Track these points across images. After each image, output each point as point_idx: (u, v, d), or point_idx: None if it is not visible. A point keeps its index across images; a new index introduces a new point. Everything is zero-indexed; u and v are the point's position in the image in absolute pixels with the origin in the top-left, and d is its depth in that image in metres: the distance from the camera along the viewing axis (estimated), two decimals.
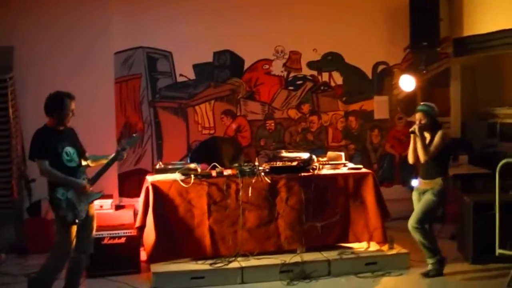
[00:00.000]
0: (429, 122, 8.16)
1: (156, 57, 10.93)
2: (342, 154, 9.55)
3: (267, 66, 11.27)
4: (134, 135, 7.84)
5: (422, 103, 8.50)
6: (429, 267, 8.31)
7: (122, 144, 7.60)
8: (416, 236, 8.22)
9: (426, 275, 8.27)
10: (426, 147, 8.08)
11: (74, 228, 7.05)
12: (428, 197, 8.18)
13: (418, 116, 8.23)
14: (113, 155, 7.56)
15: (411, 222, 8.21)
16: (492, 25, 10.46)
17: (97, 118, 10.29)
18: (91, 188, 7.27)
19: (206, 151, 9.88)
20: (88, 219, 7.30)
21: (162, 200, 8.51)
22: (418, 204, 8.30)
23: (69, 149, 7.13)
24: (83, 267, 7.57)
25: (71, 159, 7.13)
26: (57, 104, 7.11)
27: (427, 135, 8.20)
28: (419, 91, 11.30)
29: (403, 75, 11.23)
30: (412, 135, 8.26)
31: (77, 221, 7.01)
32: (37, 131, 7.11)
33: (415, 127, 8.15)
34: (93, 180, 7.33)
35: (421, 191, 8.34)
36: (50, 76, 10.13)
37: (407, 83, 11.11)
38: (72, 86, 9.95)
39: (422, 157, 8.10)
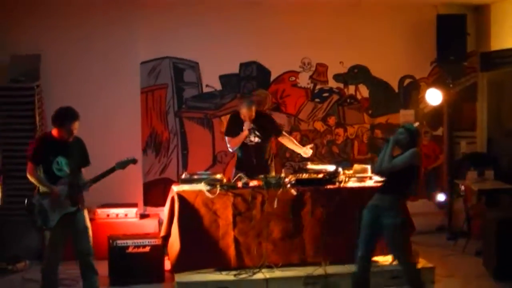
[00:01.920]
0: (407, 140, 7.57)
1: (183, 67, 10.97)
2: (368, 167, 9.50)
3: (293, 78, 11.28)
4: (127, 158, 7.90)
5: (404, 126, 7.89)
6: None
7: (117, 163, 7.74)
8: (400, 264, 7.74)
9: None
10: (391, 157, 7.52)
11: (54, 234, 7.47)
12: (392, 223, 7.47)
13: (400, 130, 7.71)
14: (107, 169, 7.76)
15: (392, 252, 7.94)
16: None
17: (123, 127, 10.38)
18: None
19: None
20: (80, 229, 7.57)
21: (187, 210, 8.51)
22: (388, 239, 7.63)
23: (61, 159, 7.49)
24: (93, 269, 7.69)
25: (60, 168, 7.49)
26: (61, 119, 7.52)
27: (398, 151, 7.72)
28: (445, 105, 11.26)
29: (429, 89, 11.20)
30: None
31: (44, 227, 7.45)
32: (38, 136, 7.85)
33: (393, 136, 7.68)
34: (89, 184, 7.65)
35: (374, 206, 7.66)
36: (77, 84, 10.26)
37: (434, 97, 11.08)
38: (98, 95, 10.17)
39: (383, 165, 7.53)
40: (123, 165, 7.81)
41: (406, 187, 7.63)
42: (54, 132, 7.55)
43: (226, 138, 9.51)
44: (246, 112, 9.16)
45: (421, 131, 7.77)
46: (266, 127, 9.40)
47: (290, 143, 9.67)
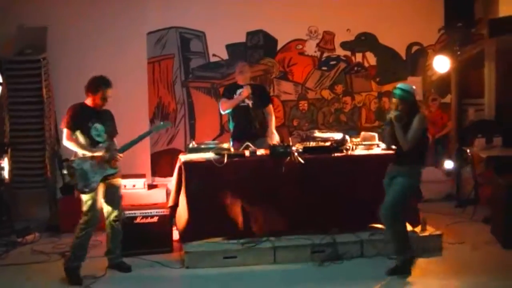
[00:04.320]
0: (407, 108, 7.47)
1: (189, 37, 10.94)
2: (376, 135, 9.47)
3: (300, 46, 11.25)
4: (162, 122, 8.01)
5: (398, 86, 7.67)
6: (396, 262, 7.80)
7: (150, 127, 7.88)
8: (387, 225, 7.70)
9: (392, 272, 7.73)
10: (405, 136, 7.44)
11: (91, 197, 7.58)
12: (402, 181, 7.56)
13: (394, 101, 7.56)
14: (141, 134, 8.06)
15: (382, 209, 7.68)
16: None
17: (130, 98, 10.38)
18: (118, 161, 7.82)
19: None
20: (113, 190, 7.85)
21: (195, 179, 8.51)
22: (390, 190, 7.67)
23: (98, 125, 7.69)
24: (119, 232, 7.99)
25: (98, 134, 7.68)
26: (97, 85, 7.70)
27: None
28: (453, 73, 11.21)
29: (437, 56, 11.14)
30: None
31: (86, 190, 7.52)
32: (72, 105, 7.75)
33: (392, 115, 7.51)
34: (121, 150, 7.86)
35: (392, 176, 7.70)
36: (83, 56, 10.29)
37: (441, 64, 11.04)
38: (105, 66, 10.11)
39: (404, 147, 7.46)
40: (158, 128, 8.25)
41: (421, 154, 7.68)
42: (88, 101, 7.71)
43: (221, 100, 9.58)
44: (241, 76, 9.39)
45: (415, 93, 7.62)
46: (259, 94, 9.42)
47: (269, 121, 9.64)
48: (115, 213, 7.86)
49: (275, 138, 9.48)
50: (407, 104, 7.47)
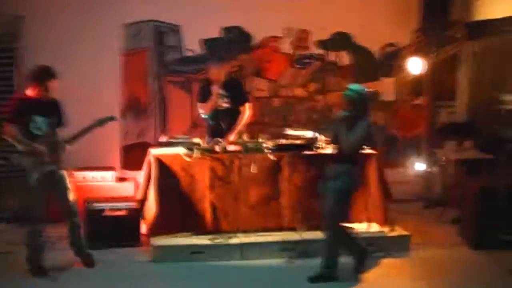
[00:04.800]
0: (355, 110, 7.35)
1: (165, 31, 10.89)
2: None
3: (275, 44, 11.22)
4: (106, 116, 7.89)
5: (350, 87, 7.53)
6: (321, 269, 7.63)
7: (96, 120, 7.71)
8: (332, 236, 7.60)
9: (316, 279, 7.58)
10: (346, 138, 7.33)
11: (32, 193, 7.46)
12: (339, 184, 7.41)
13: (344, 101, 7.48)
14: (86, 127, 7.79)
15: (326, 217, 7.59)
16: (504, 10, 10.37)
17: (103, 89, 10.37)
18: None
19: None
20: (60, 188, 7.68)
21: (164, 173, 8.50)
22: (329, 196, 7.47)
23: (38, 118, 7.48)
24: (77, 224, 7.85)
25: (38, 127, 7.49)
26: (41, 75, 7.57)
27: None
28: (427, 74, 11.24)
29: (411, 58, 11.16)
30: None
31: (25, 186, 7.42)
32: (13, 97, 7.76)
33: (339, 115, 7.55)
34: (68, 141, 7.65)
35: (331, 177, 7.56)
36: (59, 46, 10.19)
37: (416, 65, 11.05)
38: (79, 57, 10.15)
39: (343, 149, 7.41)
40: (102, 122, 7.82)
41: (357, 156, 7.68)
42: (31, 91, 7.55)
43: (198, 104, 9.50)
44: (216, 75, 9.18)
45: (373, 97, 7.52)
46: (235, 92, 9.32)
47: (239, 120, 9.39)
48: (66, 205, 7.71)
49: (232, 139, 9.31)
50: (356, 106, 7.39)
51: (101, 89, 10.26)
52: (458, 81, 11.67)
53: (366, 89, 7.58)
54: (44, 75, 7.53)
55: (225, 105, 9.24)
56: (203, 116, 9.46)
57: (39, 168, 7.44)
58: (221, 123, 9.27)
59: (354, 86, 7.55)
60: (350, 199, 7.64)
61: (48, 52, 9.97)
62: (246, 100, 9.44)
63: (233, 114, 9.31)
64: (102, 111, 8.04)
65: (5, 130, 7.44)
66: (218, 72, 9.19)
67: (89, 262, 7.89)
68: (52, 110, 7.64)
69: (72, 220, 7.76)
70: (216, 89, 9.16)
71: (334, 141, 7.72)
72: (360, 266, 7.81)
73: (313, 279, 7.51)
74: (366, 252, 7.84)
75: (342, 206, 7.53)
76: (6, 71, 9.83)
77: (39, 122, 7.48)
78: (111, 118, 7.90)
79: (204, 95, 9.33)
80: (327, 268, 7.55)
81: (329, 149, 8.93)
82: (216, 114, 9.30)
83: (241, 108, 9.37)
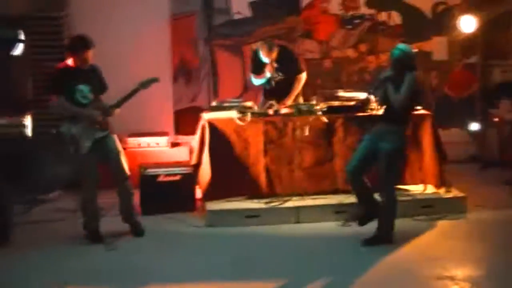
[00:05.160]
0: (402, 69, 7.31)
1: None
2: None
3: (325, 4, 11.08)
4: (148, 78, 7.79)
5: (397, 47, 7.53)
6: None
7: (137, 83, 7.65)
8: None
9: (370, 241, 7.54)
10: (396, 94, 7.27)
11: (84, 160, 7.55)
12: (389, 147, 7.36)
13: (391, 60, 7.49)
14: (130, 91, 7.68)
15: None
16: None
17: (153, 55, 10.34)
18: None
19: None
20: (110, 153, 7.68)
21: (218, 138, 8.51)
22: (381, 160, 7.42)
23: (82, 86, 7.50)
24: (129, 193, 7.84)
25: (84, 96, 7.52)
26: (74, 48, 7.56)
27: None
28: (479, 33, 11.03)
29: (463, 16, 10.96)
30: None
31: (77, 154, 7.47)
32: (54, 68, 7.67)
33: (386, 74, 7.45)
34: (115, 106, 7.61)
35: (380, 135, 7.50)
36: (106, 13, 10.18)
37: (468, 24, 10.84)
38: (127, 23, 10.11)
39: (395, 104, 7.28)
40: (145, 84, 7.74)
41: (407, 115, 7.57)
42: (70, 61, 7.57)
43: (251, 75, 9.45)
44: (267, 56, 9.04)
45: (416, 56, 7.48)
46: (288, 65, 9.23)
47: (295, 88, 9.38)
48: (118, 171, 7.70)
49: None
50: (402, 65, 7.34)
51: (150, 54, 10.26)
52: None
53: (412, 49, 7.54)
54: (79, 45, 7.51)
55: (279, 77, 9.20)
56: (255, 84, 9.41)
57: (90, 135, 7.47)
58: (278, 91, 9.20)
59: (401, 45, 7.51)
60: (402, 160, 7.63)
61: (94, 19, 10.03)
62: (300, 71, 9.38)
63: (287, 84, 9.26)
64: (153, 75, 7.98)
65: (52, 101, 7.53)
66: (269, 54, 9.03)
67: (138, 231, 7.90)
68: (93, 77, 7.65)
69: (123, 186, 7.76)
70: (269, 64, 9.08)
71: (382, 100, 7.62)
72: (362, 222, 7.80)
73: (367, 242, 7.48)
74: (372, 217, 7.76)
75: (395, 168, 7.52)
76: (53, 39, 9.82)
77: (83, 91, 7.50)
78: (154, 80, 7.80)
79: (257, 67, 9.28)
80: (383, 231, 7.52)
81: (382, 111, 8.86)
82: (271, 83, 9.24)
83: (296, 77, 9.31)
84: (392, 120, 7.44)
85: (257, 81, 9.37)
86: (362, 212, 7.81)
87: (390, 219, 7.55)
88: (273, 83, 9.23)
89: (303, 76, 9.40)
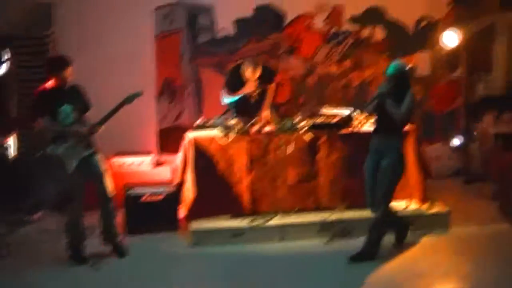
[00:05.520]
0: (398, 84, 7.43)
1: (197, 12, 10.84)
2: None
3: (308, 21, 11.13)
4: (132, 92, 7.79)
5: (392, 64, 7.61)
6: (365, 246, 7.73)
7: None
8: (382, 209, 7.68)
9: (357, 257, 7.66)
10: (397, 109, 7.39)
11: (70, 181, 7.51)
12: (392, 160, 7.50)
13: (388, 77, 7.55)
14: (114, 107, 7.62)
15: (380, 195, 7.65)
16: None
17: (138, 73, 10.31)
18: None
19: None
20: (95, 173, 7.64)
21: (202, 156, 8.51)
22: (383, 173, 7.55)
23: (65, 107, 7.48)
24: (112, 213, 7.83)
25: (66, 115, 7.49)
26: (52, 68, 7.56)
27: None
28: (462, 47, 11.09)
29: (446, 30, 11.02)
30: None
31: (64, 176, 7.44)
32: (36, 90, 7.61)
33: (384, 89, 7.51)
34: (99, 123, 7.58)
35: (380, 150, 7.61)
36: (90, 31, 10.18)
37: (451, 38, 10.91)
38: (112, 42, 10.12)
39: (397, 119, 7.40)
40: (129, 100, 7.71)
41: (403, 129, 7.67)
42: (51, 82, 7.56)
43: (224, 91, 9.29)
44: (250, 75, 8.99)
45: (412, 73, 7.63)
46: (265, 78, 9.20)
47: (267, 98, 9.37)
48: (101, 190, 7.67)
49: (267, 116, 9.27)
50: (400, 81, 7.45)
51: (135, 73, 10.24)
52: (495, 53, 11.50)
53: (407, 65, 7.71)
54: (57, 64, 7.53)
55: (255, 93, 9.22)
56: (227, 102, 9.36)
57: (76, 154, 7.47)
58: (251, 102, 9.21)
59: (397, 62, 7.61)
60: (402, 174, 7.68)
61: (78, 38, 10.04)
62: (272, 81, 9.39)
63: (259, 95, 9.27)
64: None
65: (36, 123, 7.47)
66: (253, 72, 8.97)
67: (121, 251, 7.87)
68: (76, 97, 7.64)
69: (106, 206, 7.74)
70: (251, 81, 9.07)
71: (378, 114, 7.68)
72: (400, 242, 7.91)
73: (354, 258, 7.53)
74: (408, 227, 7.92)
75: (395, 182, 7.60)
76: (38, 58, 9.83)
77: (66, 111, 7.48)
78: (137, 94, 7.78)
79: (234, 84, 9.18)
80: (371, 246, 7.58)
81: (366, 127, 8.91)
82: (246, 101, 9.23)
83: (268, 87, 9.35)
84: (391, 134, 7.55)
85: (229, 99, 9.25)
86: (395, 230, 7.95)
87: (381, 235, 7.64)
88: (251, 100, 9.22)
89: (274, 85, 9.42)
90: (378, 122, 7.72)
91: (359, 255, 7.56)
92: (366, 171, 7.72)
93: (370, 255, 7.57)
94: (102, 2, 10.30)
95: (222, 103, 9.45)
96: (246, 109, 9.15)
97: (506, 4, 11.16)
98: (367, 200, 7.75)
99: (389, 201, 7.59)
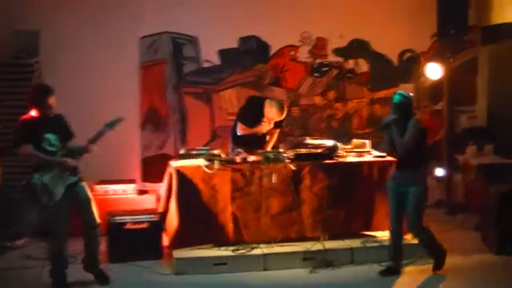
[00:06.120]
0: (403, 113, 7.70)
1: (182, 42, 10.91)
2: (367, 142, 9.47)
3: (293, 53, 11.24)
4: (113, 119, 7.78)
5: (397, 92, 7.94)
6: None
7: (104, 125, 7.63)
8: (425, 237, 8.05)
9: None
10: (401, 138, 7.66)
11: (57, 209, 7.39)
12: (417, 191, 7.72)
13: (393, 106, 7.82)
14: (96, 133, 7.58)
15: (410, 226, 7.97)
16: None
17: (122, 102, 10.33)
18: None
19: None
20: (81, 200, 7.59)
21: (185, 185, 8.48)
22: (411, 204, 7.78)
23: (49, 135, 7.41)
24: (97, 241, 7.78)
25: (51, 144, 7.42)
26: (36, 97, 7.50)
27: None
28: (445, 80, 11.18)
29: (429, 63, 11.10)
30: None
31: (51, 203, 7.32)
32: (19, 119, 7.52)
33: (390, 119, 7.76)
34: (83, 150, 7.57)
35: (404, 183, 7.80)
36: (75, 59, 10.24)
37: (434, 71, 10.98)
38: (97, 70, 10.17)
39: (399, 149, 7.73)
40: (111, 125, 7.65)
41: (421, 155, 7.82)
42: (34, 112, 7.47)
43: (240, 124, 9.33)
44: (274, 116, 9.12)
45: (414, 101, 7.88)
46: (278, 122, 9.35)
47: (272, 140, 9.55)
48: (87, 218, 7.62)
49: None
50: (404, 110, 7.71)
51: (119, 101, 10.25)
52: (477, 86, 11.59)
53: (410, 94, 7.92)
54: (40, 94, 7.48)
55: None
56: (239, 133, 9.39)
57: (62, 181, 7.42)
58: (254, 138, 9.31)
59: (401, 92, 7.91)
60: (425, 202, 7.99)
61: (64, 65, 10.07)
62: (280, 127, 9.56)
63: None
64: (122, 124, 7.96)
65: (20, 151, 7.38)
66: (278, 115, 9.14)
67: (103, 279, 7.80)
68: (59, 125, 7.59)
69: (92, 233, 7.69)
70: (266, 127, 9.25)
71: (389, 144, 7.94)
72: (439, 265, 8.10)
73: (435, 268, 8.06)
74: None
75: (424, 207, 7.89)
76: (25, 86, 9.83)
77: (50, 139, 7.41)
78: (119, 120, 7.73)
79: (252, 119, 9.22)
80: (440, 258, 8.05)
81: (349, 158, 8.97)
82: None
83: (276, 130, 9.49)
84: (413, 166, 7.75)
85: (241, 132, 9.33)
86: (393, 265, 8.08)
87: (438, 247, 8.05)
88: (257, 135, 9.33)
89: (279, 130, 9.59)
90: (397, 155, 7.96)
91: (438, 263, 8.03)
92: (390, 202, 7.98)
93: (440, 264, 8.04)
94: (88, 30, 10.37)
95: (237, 133, 9.45)
96: (247, 142, 9.21)
97: (488, 38, 11.26)
98: (390, 230, 8.08)
99: (420, 225, 7.88)
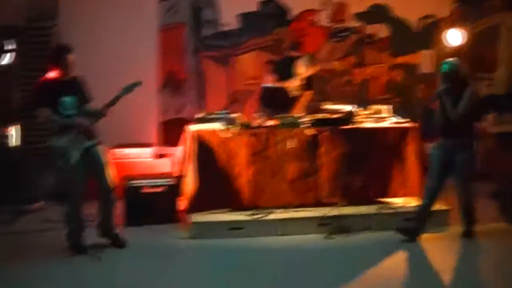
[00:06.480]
0: (454, 81, 7.71)
1: (201, 6, 10.85)
2: (386, 107, 9.41)
3: (313, 17, 11.13)
4: (131, 82, 7.75)
5: (445, 61, 7.93)
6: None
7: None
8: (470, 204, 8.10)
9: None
10: (455, 107, 7.67)
11: (72, 171, 7.44)
12: (468, 158, 7.86)
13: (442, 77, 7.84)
14: (113, 97, 7.57)
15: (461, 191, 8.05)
16: None
17: (141, 65, 10.29)
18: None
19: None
20: (97, 164, 7.62)
21: (202, 149, 8.50)
22: (461, 171, 7.90)
23: (66, 98, 7.42)
24: (112, 205, 7.81)
25: (67, 108, 7.43)
26: (55, 55, 7.51)
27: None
28: (465, 46, 11.08)
29: (450, 29, 11.01)
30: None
31: (67, 167, 7.38)
32: (39, 80, 7.54)
33: (441, 88, 7.77)
34: (100, 113, 7.55)
35: (452, 151, 7.85)
36: (94, 22, 10.23)
37: (454, 37, 10.90)
38: (116, 33, 10.13)
39: (452, 117, 7.70)
40: (128, 89, 7.65)
41: (471, 123, 7.90)
42: (54, 73, 7.48)
43: (269, 74, 9.65)
44: (302, 71, 9.40)
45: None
46: (308, 84, 9.51)
47: (301, 102, 9.61)
48: (103, 181, 7.64)
49: None
50: (453, 77, 7.71)
51: (137, 65, 10.22)
52: (498, 53, 11.49)
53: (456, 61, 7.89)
54: (60, 52, 7.48)
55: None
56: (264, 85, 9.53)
57: (79, 145, 7.44)
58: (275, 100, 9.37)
59: (448, 60, 7.88)
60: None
61: (83, 29, 10.07)
62: (311, 88, 9.67)
63: (285, 96, 9.49)
64: (140, 87, 7.95)
65: (38, 114, 7.41)
66: (305, 68, 9.36)
67: (119, 243, 7.85)
68: (76, 88, 7.60)
69: (107, 197, 7.71)
70: (295, 80, 9.38)
71: (442, 114, 7.86)
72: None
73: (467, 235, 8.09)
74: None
75: (473, 174, 7.98)
76: (43, 49, 9.84)
77: (67, 102, 7.42)
78: (137, 84, 7.72)
79: (282, 72, 9.45)
80: (471, 226, 8.07)
81: (367, 123, 8.92)
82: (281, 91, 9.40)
83: (305, 93, 9.57)
84: (461, 133, 7.78)
85: (269, 84, 9.50)
86: (416, 228, 8.04)
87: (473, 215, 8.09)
88: (288, 95, 9.37)
89: (311, 93, 9.66)
90: (445, 124, 7.85)
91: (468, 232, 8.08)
92: (433, 172, 7.95)
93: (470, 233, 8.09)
94: None
95: (263, 85, 9.58)
96: (277, 102, 9.19)
97: (510, 6, 11.15)
98: (423, 198, 8.08)
99: (470, 192, 8.02)
